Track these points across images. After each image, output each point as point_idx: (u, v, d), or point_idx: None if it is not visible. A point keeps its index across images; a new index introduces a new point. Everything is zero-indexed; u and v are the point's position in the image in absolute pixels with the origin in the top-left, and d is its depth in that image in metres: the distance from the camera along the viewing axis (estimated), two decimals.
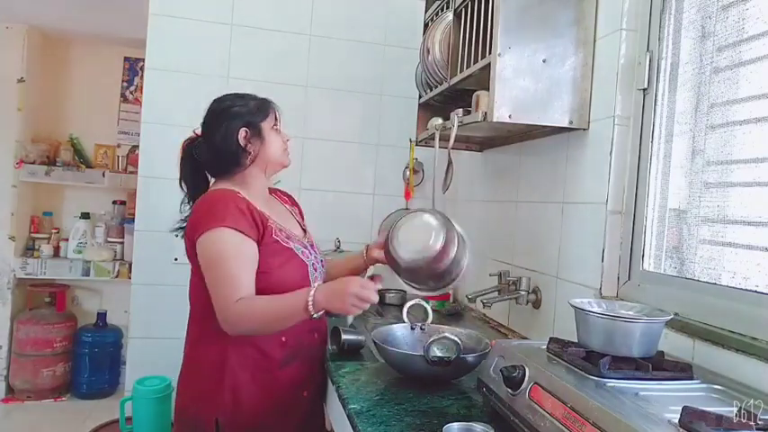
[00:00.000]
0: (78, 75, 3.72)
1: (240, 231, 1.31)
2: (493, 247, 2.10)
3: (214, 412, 1.34)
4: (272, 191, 1.62)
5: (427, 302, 1.56)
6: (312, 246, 1.52)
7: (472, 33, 1.62)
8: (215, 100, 1.48)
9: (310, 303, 1.25)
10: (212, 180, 1.49)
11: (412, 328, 1.50)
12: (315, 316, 1.27)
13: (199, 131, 1.48)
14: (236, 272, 1.30)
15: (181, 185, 1.50)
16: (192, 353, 1.43)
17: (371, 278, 1.34)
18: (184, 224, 1.44)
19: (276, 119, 1.47)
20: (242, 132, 1.41)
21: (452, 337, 1.28)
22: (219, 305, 1.29)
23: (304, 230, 1.58)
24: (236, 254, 1.31)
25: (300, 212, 1.66)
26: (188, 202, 1.49)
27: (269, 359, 1.37)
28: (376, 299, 1.29)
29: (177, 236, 1.47)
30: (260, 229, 1.35)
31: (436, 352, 1.27)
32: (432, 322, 1.52)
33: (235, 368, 1.35)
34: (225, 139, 1.40)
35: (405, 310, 1.51)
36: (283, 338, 1.38)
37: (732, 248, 1.13)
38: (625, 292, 1.37)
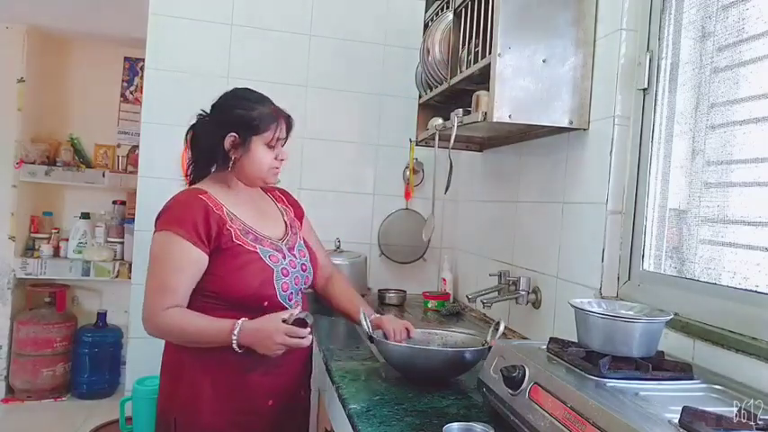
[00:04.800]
0: (78, 75, 3.72)
1: (187, 239, 1.31)
2: (493, 247, 2.09)
3: (173, 412, 1.38)
4: (270, 189, 1.61)
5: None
6: (292, 249, 1.48)
7: (472, 33, 1.62)
8: (232, 90, 1.47)
9: (234, 340, 1.28)
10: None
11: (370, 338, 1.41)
12: (238, 351, 1.29)
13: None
14: (172, 279, 1.32)
15: (183, 156, 1.50)
16: (165, 351, 1.45)
17: (296, 322, 1.29)
18: None
19: (276, 137, 1.43)
20: (230, 138, 1.40)
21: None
22: (147, 307, 1.32)
23: (293, 232, 1.53)
24: (176, 261, 1.32)
25: (296, 213, 1.63)
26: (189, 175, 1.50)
27: (230, 364, 1.35)
28: (306, 344, 1.31)
29: None
30: (212, 236, 1.34)
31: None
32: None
33: (194, 370, 1.37)
34: (214, 134, 1.41)
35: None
36: None
37: (732, 248, 1.13)
38: (625, 292, 1.37)
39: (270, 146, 1.43)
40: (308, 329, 1.30)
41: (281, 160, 1.47)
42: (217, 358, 1.35)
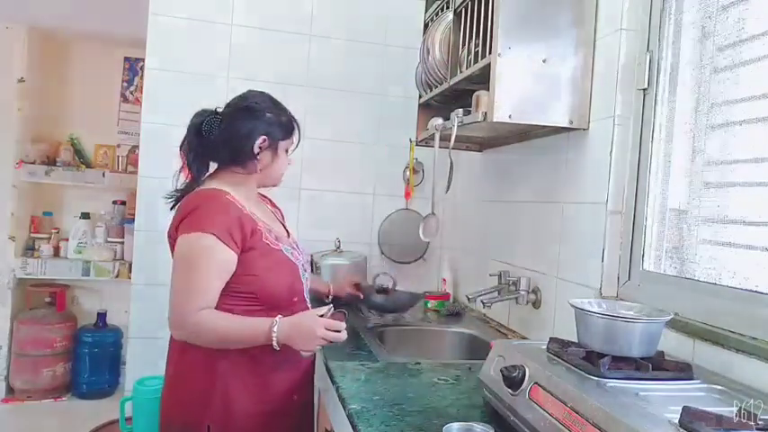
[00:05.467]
0: (78, 75, 3.71)
1: (221, 240, 1.29)
2: (493, 247, 2.09)
3: (205, 419, 1.33)
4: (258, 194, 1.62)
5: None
6: (298, 246, 1.53)
7: (472, 33, 1.62)
8: (250, 92, 1.47)
9: (274, 337, 1.27)
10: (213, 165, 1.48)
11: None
12: (276, 348, 1.28)
13: (220, 109, 1.45)
14: (206, 280, 1.30)
15: (180, 150, 1.46)
16: (178, 359, 1.40)
17: (334, 316, 1.33)
18: (176, 194, 1.45)
19: (293, 143, 1.50)
20: (261, 139, 1.41)
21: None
22: (179, 309, 1.29)
23: (287, 233, 1.57)
24: (209, 262, 1.30)
25: (282, 215, 1.66)
26: (179, 174, 1.49)
27: (260, 364, 1.37)
28: (344, 337, 1.31)
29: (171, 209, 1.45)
30: (246, 236, 1.33)
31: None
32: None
33: (226, 374, 1.35)
34: (244, 136, 1.40)
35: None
36: None
37: (732, 248, 1.13)
38: (625, 292, 1.37)
39: (287, 151, 1.49)
40: (344, 324, 1.32)
41: (289, 164, 1.53)
42: (245, 362, 1.35)
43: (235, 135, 1.40)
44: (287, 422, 1.44)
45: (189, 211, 1.34)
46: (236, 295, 1.35)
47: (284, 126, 1.46)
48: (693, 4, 1.28)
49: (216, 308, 1.33)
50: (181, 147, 1.46)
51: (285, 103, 1.52)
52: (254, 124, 1.41)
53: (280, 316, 1.30)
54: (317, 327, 1.28)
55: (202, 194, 1.38)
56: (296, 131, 1.50)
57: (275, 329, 1.27)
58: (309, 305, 1.50)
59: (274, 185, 1.54)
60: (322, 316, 1.31)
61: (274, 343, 1.27)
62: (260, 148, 1.41)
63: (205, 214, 1.32)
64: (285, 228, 1.59)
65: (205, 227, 1.29)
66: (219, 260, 1.30)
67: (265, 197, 1.64)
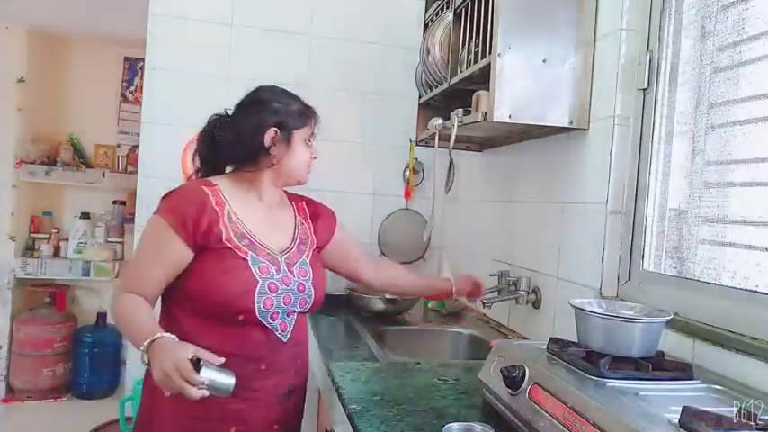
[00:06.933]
0: (78, 75, 3.72)
1: (172, 227, 1.22)
2: (493, 247, 2.10)
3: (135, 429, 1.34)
4: (296, 199, 1.51)
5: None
6: (291, 265, 1.33)
7: (472, 33, 1.62)
8: (259, 87, 1.40)
9: (142, 348, 1.12)
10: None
11: None
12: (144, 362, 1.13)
13: (231, 112, 1.40)
14: (143, 265, 1.27)
15: (194, 160, 1.41)
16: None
17: (197, 361, 1.08)
18: None
19: (312, 133, 1.40)
20: (271, 132, 1.32)
21: None
22: (117, 283, 1.30)
23: (299, 249, 1.39)
24: (152, 247, 1.27)
25: (319, 228, 1.48)
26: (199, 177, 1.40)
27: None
28: (192, 394, 1.05)
29: None
30: (199, 231, 1.24)
31: None
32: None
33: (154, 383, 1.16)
34: (252, 131, 1.32)
35: None
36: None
37: (732, 248, 1.13)
38: (625, 292, 1.37)
39: (307, 142, 1.39)
40: (203, 381, 1.06)
41: (314, 158, 1.43)
42: None
43: (243, 132, 1.33)
44: None
45: (165, 195, 1.30)
46: (179, 294, 1.27)
47: (296, 114, 1.35)
48: (693, 4, 1.28)
49: (164, 305, 1.30)
50: (193, 157, 1.42)
51: None
52: (261, 117, 1.32)
53: (170, 335, 1.14)
54: (170, 361, 1.06)
55: (186, 184, 1.35)
56: (312, 119, 1.39)
57: (148, 341, 1.11)
58: (273, 329, 1.29)
59: (300, 183, 1.41)
60: (194, 360, 1.08)
61: (142, 350, 1.12)
62: (272, 141, 1.32)
63: (171, 201, 1.28)
64: (297, 242, 1.40)
65: (164, 212, 1.26)
66: (165, 247, 1.24)
67: (309, 206, 1.52)
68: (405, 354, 1.66)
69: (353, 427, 1.05)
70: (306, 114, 1.38)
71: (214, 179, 1.35)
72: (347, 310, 2.07)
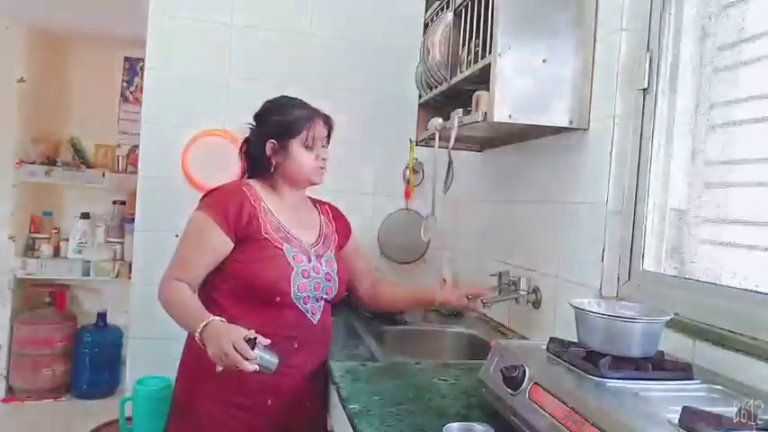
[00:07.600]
0: (78, 75, 3.71)
1: (216, 221, 1.39)
2: (493, 247, 2.10)
3: (177, 391, 1.48)
4: (320, 202, 1.70)
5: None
6: (320, 256, 1.50)
7: (472, 33, 1.62)
8: (273, 99, 1.57)
9: (197, 332, 1.25)
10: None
11: None
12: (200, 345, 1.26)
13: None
14: (190, 255, 1.42)
15: (240, 156, 1.60)
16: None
17: (251, 340, 1.21)
18: None
19: (311, 137, 1.50)
20: (269, 144, 1.50)
21: None
22: (164, 273, 1.42)
23: (325, 244, 1.55)
24: (198, 238, 1.41)
25: (339, 228, 1.67)
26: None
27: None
28: (247, 367, 1.18)
29: None
30: (241, 223, 1.40)
31: None
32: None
33: (203, 355, 1.26)
34: (257, 143, 1.52)
35: None
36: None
37: (732, 248, 1.13)
38: (625, 292, 1.37)
39: (307, 146, 1.51)
40: (256, 357, 1.19)
41: (324, 159, 1.54)
42: None
43: (253, 144, 1.55)
44: (257, 423, 1.41)
45: (206, 193, 1.49)
46: (221, 279, 1.43)
47: (289, 125, 1.49)
48: (693, 4, 1.28)
49: (204, 288, 1.44)
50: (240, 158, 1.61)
51: None
52: (262, 131, 1.53)
53: (220, 318, 1.27)
54: (227, 340, 1.19)
55: (225, 184, 1.52)
56: (310, 124, 1.50)
57: (203, 324, 1.25)
58: (305, 311, 1.45)
59: (312, 183, 1.56)
60: (248, 338, 1.20)
61: (197, 335, 1.25)
62: (272, 150, 1.50)
63: (213, 197, 1.45)
64: (323, 237, 1.57)
65: (207, 208, 1.42)
66: (209, 238, 1.40)
67: (331, 209, 1.71)
68: (405, 354, 1.66)
69: (353, 427, 1.06)
70: (302, 121, 1.51)
71: (249, 180, 1.55)
72: (347, 310, 2.07)
